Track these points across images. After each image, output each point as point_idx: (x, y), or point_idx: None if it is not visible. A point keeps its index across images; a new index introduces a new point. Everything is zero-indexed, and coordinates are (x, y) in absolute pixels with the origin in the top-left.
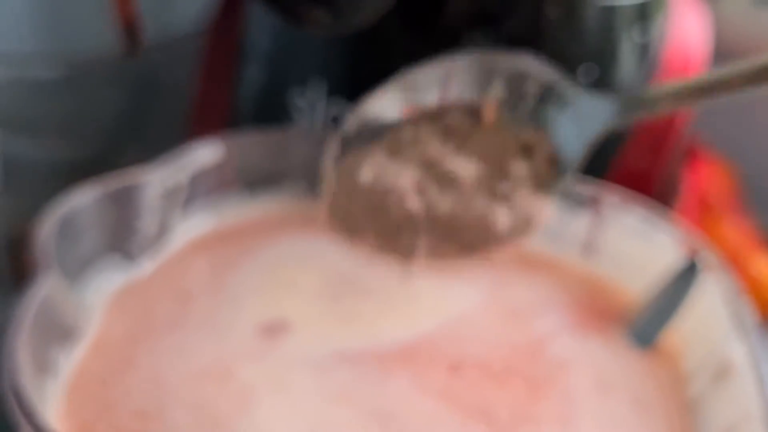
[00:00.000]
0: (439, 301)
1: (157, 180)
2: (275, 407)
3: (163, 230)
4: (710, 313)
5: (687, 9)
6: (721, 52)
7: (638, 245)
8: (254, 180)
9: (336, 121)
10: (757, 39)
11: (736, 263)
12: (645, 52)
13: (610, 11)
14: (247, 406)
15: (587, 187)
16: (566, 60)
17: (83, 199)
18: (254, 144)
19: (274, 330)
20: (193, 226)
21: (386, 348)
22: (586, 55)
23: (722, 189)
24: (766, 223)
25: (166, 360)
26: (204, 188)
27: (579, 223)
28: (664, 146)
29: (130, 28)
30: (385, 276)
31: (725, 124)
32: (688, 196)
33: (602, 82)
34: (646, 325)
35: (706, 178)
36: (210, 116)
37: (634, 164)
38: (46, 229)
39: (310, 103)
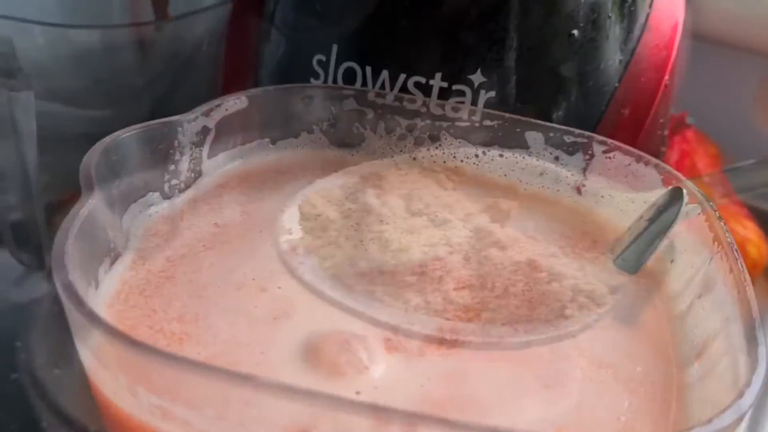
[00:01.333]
0: (446, 231)
1: (187, 123)
2: (308, 312)
3: (194, 172)
4: (694, 238)
5: None
6: (709, 35)
7: (626, 182)
8: (276, 131)
9: (347, 81)
10: (745, 22)
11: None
12: (633, 12)
13: None
14: (282, 312)
15: (580, 134)
16: (554, 26)
17: (124, 135)
18: (275, 98)
19: (301, 254)
20: (221, 170)
21: (401, 267)
22: (578, 15)
23: (708, 161)
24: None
25: (202, 275)
26: (230, 136)
27: (572, 166)
28: (652, 95)
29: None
30: (398, 209)
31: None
32: (680, 163)
33: (590, 46)
34: (633, 254)
35: (695, 149)
36: (238, 83)
37: (624, 114)
38: (91, 157)
39: (325, 67)
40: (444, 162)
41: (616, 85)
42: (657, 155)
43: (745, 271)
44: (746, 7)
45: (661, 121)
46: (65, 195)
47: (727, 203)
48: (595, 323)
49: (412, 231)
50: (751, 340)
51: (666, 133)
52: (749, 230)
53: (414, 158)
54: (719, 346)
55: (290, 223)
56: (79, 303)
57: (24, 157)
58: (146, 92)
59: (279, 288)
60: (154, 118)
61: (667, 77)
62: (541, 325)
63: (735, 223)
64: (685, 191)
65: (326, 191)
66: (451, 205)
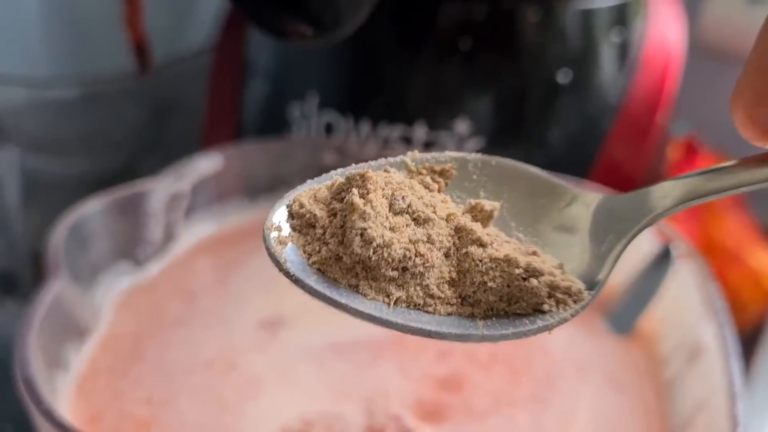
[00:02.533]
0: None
1: (160, 189)
2: (278, 395)
3: (168, 236)
4: (684, 298)
5: (665, 9)
6: (715, 50)
7: None
8: (254, 187)
9: (328, 130)
10: (751, 37)
11: (737, 255)
12: (624, 53)
13: (589, 14)
14: (251, 394)
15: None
16: (546, 63)
17: (91, 208)
18: (252, 153)
19: (273, 324)
20: (197, 232)
21: (377, 337)
22: (566, 58)
23: None
24: (761, 218)
25: (172, 352)
26: (206, 196)
27: None
28: (645, 140)
29: (140, 49)
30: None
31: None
32: None
33: (582, 83)
34: (624, 312)
35: None
36: (219, 129)
37: (617, 158)
38: (57, 235)
39: (306, 114)
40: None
41: (609, 126)
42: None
43: (732, 338)
44: (759, 23)
45: (656, 162)
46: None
47: (741, 232)
48: (571, 317)
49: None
50: (731, 419)
51: (663, 168)
52: (762, 261)
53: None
54: (703, 420)
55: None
56: (38, 401)
57: (8, 209)
58: (129, 140)
59: (249, 364)
60: (138, 164)
61: (660, 116)
62: (518, 319)
63: (749, 254)
64: (675, 247)
65: (314, 191)
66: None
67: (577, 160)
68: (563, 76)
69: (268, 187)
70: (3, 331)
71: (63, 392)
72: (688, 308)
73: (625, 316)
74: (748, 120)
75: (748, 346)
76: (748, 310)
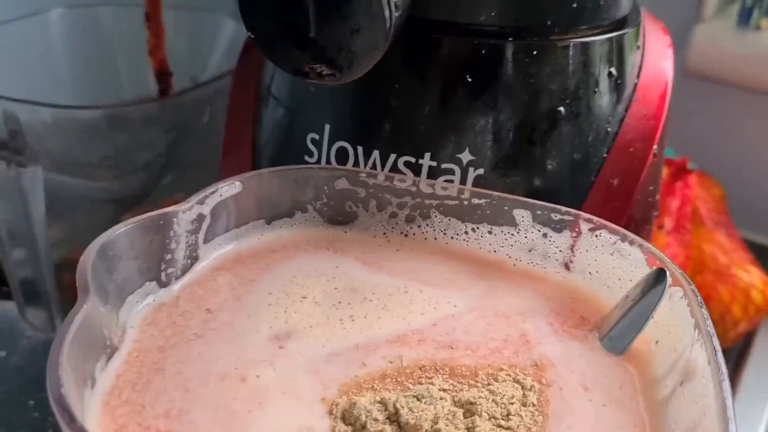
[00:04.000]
0: (432, 305)
1: (182, 213)
2: (282, 405)
3: (190, 257)
4: (677, 322)
5: (658, 39)
6: (706, 74)
7: (612, 261)
8: (270, 212)
9: (340, 159)
10: (741, 60)
11: (727, 271)
12: (620, 83)
13: (586, 47)
14: (258, 406)
15: (566, 212)
16: (546, 95)
17: (120, 231)
18: (268, 180)
19: (282, 338)
20: (216, 253)
21: (379, 341)
22: (564, 89)
23: (712, 204)
24: (748, 238)
25: (190, 366)
26: (225, 219)
27: (560, 243)
28: (641, 168)
29: (162, 74)
30: (383, 286)
31: (712, 148)
32: (681, 209)
33: (579, 113)
34: (619, 334)
35: (697, 195)
36: (237, 152)
37: (613, 185)
38: (86, 257)
39: (318, 145)
40: (435, 239)
41: (605, 155)
42: (649, 220)
43: (723, 363)
44: (748, 47)
45: (651, 188)
46: (76, 252)
47: (732, 249)
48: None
49: (391, 308)
50: None
51: (657, 198)
52: (753, 276)
53: (405, 235)
54: None
55: (275, 308)
56: (72, 420)
57: (32, 224)
58: (151, 163)
59: (257, 377)
60: (158, 185)
61: (655, 146)
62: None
63: (739, 270)
64: (668, 273)
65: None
66: (439, 284)
67: (575, 188)
68: (562, 107)
69: (284, 211)
70: (26, 341)
71: (90, 408)
72: (681, 332)
73: (620, 338)
74: None
75: (739, 359)
76: (739, 324)
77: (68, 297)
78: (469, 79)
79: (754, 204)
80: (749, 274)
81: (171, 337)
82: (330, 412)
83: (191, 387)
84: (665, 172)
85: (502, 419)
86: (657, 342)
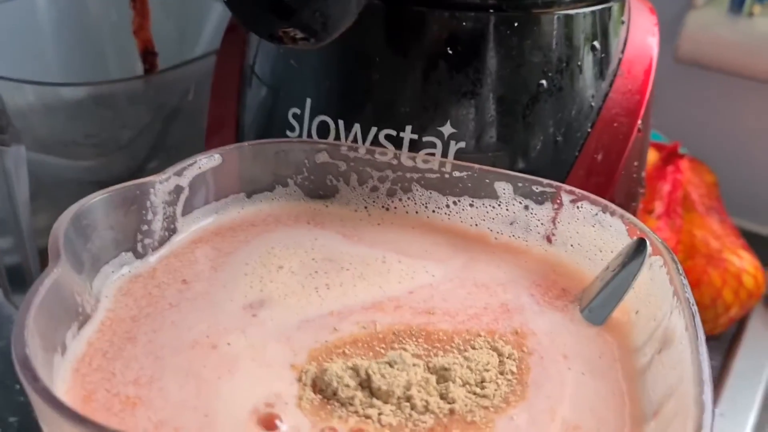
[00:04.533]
0: (410, 275)
1: (159, 184)
2: (251, 372)
3: (167, 230)
4: (656, 291)
5: (644, 15)
6: (698, 61)
7: (594, 233)
8: (250, 185)
9: (321, 133)
10: (733, 47)
11: (719, 256)
12: (604, 58)
13: (570, 19)
14: (227, 372)
15: (548, 184)
16: (528, 68)
17: (95, 200)
18: (248, 154)
19: (256, 306)
20: (195, 226)
21: (353, 307)
22: (548, 63)
23: (704, 190)
24: (739, 225)
25: (162, 335)
26: (205, 192)
27: (542, 215)
28: (624, 144)
29: (147, 53)
30: (361, 256)
31: (704, 135)
32: (672, 194)
33: (563, 88)
34: (599, 305)
35: (689, 180)
36: (221, 131)
37: (596, 161)
38: (59, 224)
39: (299, 120)
40: (416, 213)
41: (589, 130)
42: (634, 197)
43: (701, 328)
44: (740, 34)
45: (635, 163)
46: None
47: (724, 234)
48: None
49: (368, 277)
50: (698, 404)
51: (643, 174)
52: (745, 261)
53: (386, 209)
54: (673, 406)
55: (251, 278)
56: (34, 379)
57: (16, 206)
58: (136, 142)
59: (228, 344)
60: (144, 165)
61: (640, 122)
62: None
63: (731, 254)
64: (648, 242)
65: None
66: (418, 255)
67: (558, 162)
68: (544, 81)
69: (264, 185)
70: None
71: (60, 374)
72: (660, 301)
73: (600, 309)
74: None
75: (731, 345)
76: (730, 309)
77: None
78: (450, 52)
79: (747, 191)
80: (741, 259)
81: (145, 307)
82: (299, 379)
83: (162, 355)
84: (656, 156)
85: (477, 386)
86: (637, 312)
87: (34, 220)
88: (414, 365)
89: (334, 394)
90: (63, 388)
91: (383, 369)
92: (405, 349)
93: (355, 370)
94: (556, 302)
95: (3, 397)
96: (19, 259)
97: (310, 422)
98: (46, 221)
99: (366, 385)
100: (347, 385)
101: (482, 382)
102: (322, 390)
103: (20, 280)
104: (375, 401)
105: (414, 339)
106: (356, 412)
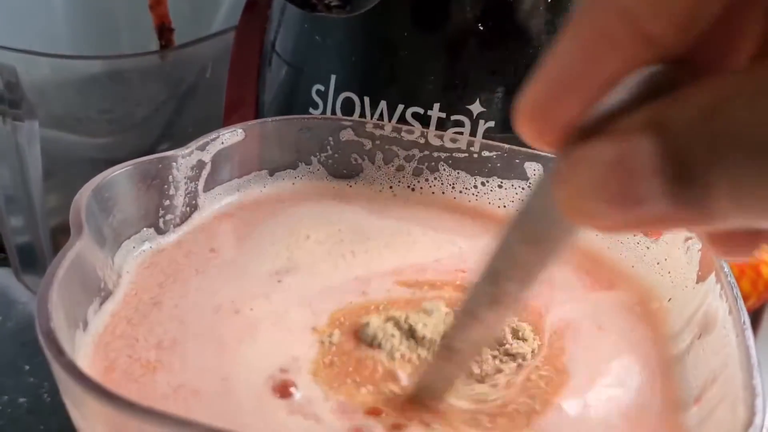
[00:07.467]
0: (437, 245)
1: (182, 158)
2: (272, 337)
3: (190, 205)
4: (693, 273)
5: None
6: None
7: None
8: (273, 162)
9: (345, 111)
10: None
11: None
12: None
13: None
14: (248, 337)
15: None
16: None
17: (116, 172)
18: (272, 130)
19: (282, 273)
20: (218, 203)
21: (379, 272)
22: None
23: None
24: None
25: (188, 299)
26: (227, 169)
27: None
28: None
29: (163, 28)
30: (388, 228)
31: None
32: None
33: None
34: None
35: None
36: (240, 109)
37: None
38: (81, 196)
39: (323, 97)
40: (443, 193)
41: None
42: None
43: (745, 312)
44: None
45: None
46: None
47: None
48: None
49: (394, 247)
50: (749, 389)
51: None
52: (763, 251)
53: (412, 189)
54: (717, 391)
55: (278, 247)
56: (59, 353)
57: (28, 183)
58: (151, 119)
59: (251, 309)
60: (158, 144)
61: None
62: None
63: None
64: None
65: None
66: (444, 231)
67: None
68: None
69: (287, 162)
70: (21, 306)
71: (81, 349)
72: (697, 284)
73: None
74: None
75: None
76: (748, 300)
77: None
78: (481, 28)
79: None
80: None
81: (171, 274)
82: (321, 342)
83: (187, 320)
84: None
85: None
86: (669, 299)
87: (45, 200)
88: (446, 314)
89: (379, 346)
90: (85, 362)
91: (423, 318)
92: (441, 297)
93: (394, 321)
94: (596, 285)
95: (13, 379)
96: (30, 238)
97: (323, 392)
98: (58, 201)
99: (408, 335)
100: (392, 335)
101: (517, 332)
102: (368, 343)
103: (31, 260)
104: (420, 350)
105: (444, 289)
106: (408, 359)
